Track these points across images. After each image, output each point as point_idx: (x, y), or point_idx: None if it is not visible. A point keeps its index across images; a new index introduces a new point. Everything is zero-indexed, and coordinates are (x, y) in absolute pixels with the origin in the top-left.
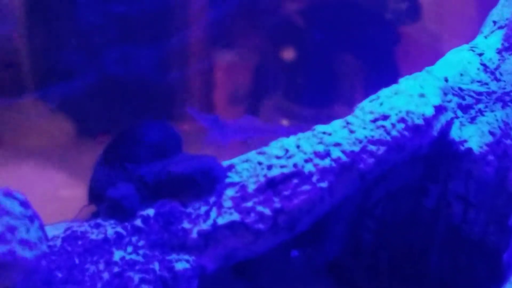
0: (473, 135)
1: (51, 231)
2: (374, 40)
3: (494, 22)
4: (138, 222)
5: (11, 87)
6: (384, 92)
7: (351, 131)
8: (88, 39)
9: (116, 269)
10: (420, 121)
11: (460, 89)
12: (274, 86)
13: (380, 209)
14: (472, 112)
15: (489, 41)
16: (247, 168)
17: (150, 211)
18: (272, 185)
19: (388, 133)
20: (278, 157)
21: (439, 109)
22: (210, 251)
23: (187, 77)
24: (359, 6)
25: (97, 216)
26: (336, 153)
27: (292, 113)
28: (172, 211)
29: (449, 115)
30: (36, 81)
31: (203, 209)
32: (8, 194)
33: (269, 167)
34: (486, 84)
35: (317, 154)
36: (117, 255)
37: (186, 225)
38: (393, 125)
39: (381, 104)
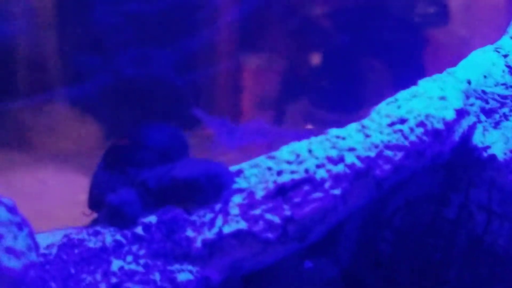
0: (497, 141)
1: (48, 238)
2: (401, 44)
3: None
4: (139, 230)
5: (26, 88)
6: (402, 95)
7: (367, 136)
8: (104, 39)
9: (114, 280)
10: (440, 126)
11: (484, 92)
12: (299, 90)
13: (398, 219)
14: (496, 116)
15: None
16: (255, 173)
17: (152, 219)
18: (282, 192)
19: (406, 138)
20: (288, 162)
21: (461, 113)
22: (215, 262)
23: (206, 80)
24: (386, 10)
25: (97, 223)
26: (350, 158)
27: (318, 119)
28: (175, 218)
29: (472, 119)
30: (51, 82)
31: (208, 216)
32: None
33: (279, 173)
34: None
35: (330, 159)
36: (116, 264)
37: (190, 233)
38: (412, 130)
39: (398, 107)
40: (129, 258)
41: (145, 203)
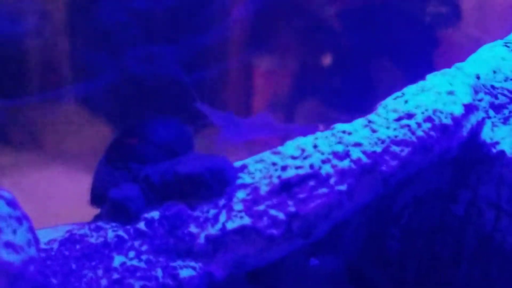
0: (506, 137)
1: (51, 234)
2: (412, 44)
3: None
4: (141, 226)
5: (34, 86)
6: (410, 89)
7: (373, 131)
8: (111, 37)
9: (115, 276)
10: (448, 121)
11: (493, 87)
12: (310, 90)
13: (406, 216)
14: (506, 112)
15: None
16: (260, 168)
17: (155, 214)
18: (286, 188)
19: (413, 133)
20: (293, 158)
21: (469, 108)
22: (219, 258)
23: (213, 78)
24: (398, 10)
25: (100, 218)
26: (356, 153)
27: (329, 118)
28: (178, 214)
29: (480, 114)
30: (59, 80)
31: (212, 212)
32: None
33: (284, 168)
34: None
35: (335, 154)
36: (117, 260)
37: (193, 229)
38: (419, 125)
39: (406, 101)
40: (131, 254)
41: (148, 198)
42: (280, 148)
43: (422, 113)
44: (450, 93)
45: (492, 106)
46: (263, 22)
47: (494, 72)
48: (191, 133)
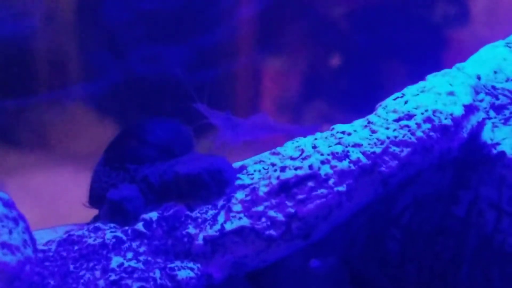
0: (506, 138)
1: (50, 235)
2: (421, 45)
3: None
4: (139, 227)
5: (34, 85)
6: (410, 90)
7: (373, 131)
8: (117, 37)
9: (113, 277)
10: (448, 122)
11: (494, 87)
12: (317, 91)
13: (407, 217)
14: (506, 112)
15: None
16: (259, 169)
17: (153, 215)
18: (285, 189)
19: (413, 133)
20: (292, 158)
21: (470, 109)
22: (217, 259)
23: (218, 79)
24: (406, 10)
25: (98, 219)
26: (355, 154)
27: (335, 120)
28: (176, 215)
29: (481, 115)
30: (65, 80)
31: (210, 213)
32: None
33: (283, 169)
34: None
35: (335, 155)
36: (115, 261)
37: (191, 230)
38: (419, 125)
39: (405, 102)
40: (129, 255)
41: (147, 199)
42: (279, 149)
43: (422, 113)
44: (450, 93)
45: (493, 106)
46: (270, 22)
47: (495, 72)
48: (190, 134)
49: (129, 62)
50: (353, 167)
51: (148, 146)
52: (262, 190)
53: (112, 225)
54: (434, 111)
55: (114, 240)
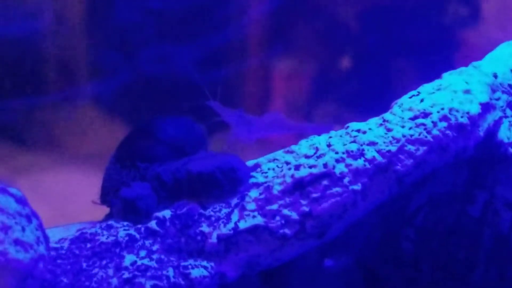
0: None
1: (62, 233)
2: (431, 45)
3: None
4: (152, 225)
5: (44, 85)
6: (425, 88)
7: (388, 130)
8: (127, 36)
9: (126, 275)
10: (464, 120)
11: (510, 86)
12: (327, 92)
13: (421, 217)
14: None
15: None
16: (273, 167)
17: (166, 213)
18: (299, 187)
19: (429, 132)
20: (307, 157)
21: (486, 107)
22: (231, 258)
23: (228, 78)
24: (416, 10)
25: (110, 217)
26: (370, 153)
27: (346, 120)
28: (190, 213)
29: (497, 114)
30: (73, 80)
31: (224, 211)
32: (3, 190)
33: (297, 167)
34: None
35: (349, 153)
36: (128, 259)
37: (205, 228)
38: (435, 124)
39: (421, 100)
40: (142, 253)
41: (160, 197)
42: (293, 147)
43: (438, 112)
44: (467, 91)
45: (510, 105)
46: (280, 23)
47: None
48: (203, 132)
49: (139, 61)
50: (368, 166)
51: (160, 144)
52: (276, 188)
53: (125, 223)
54: (450, 110)
55: (127, 238)
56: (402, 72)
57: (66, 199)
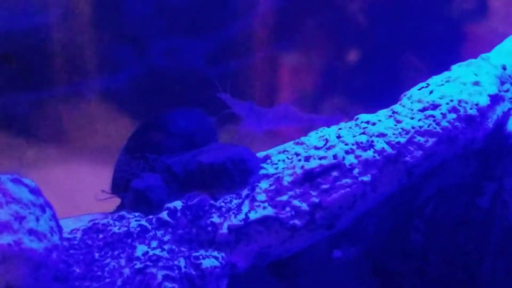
0: None
1: (74, 224)
2: (439, 39)
3: None
4: (164, 215)
5: (55, 79)
6: (435, 80)
7: (397, 121)
8: (136, 30)
9: (138, 265)
10: (473, 112)
11: None
12: (335, 85)
13: (430, 208)
14: None
15: None
16: (283, 159)
17: (178, 204)
18: (309, 178)
19: (438, 123)
20: (317, 148)
21: (495, 99)
22: (241, 248)
23: (236, 72)
24: (423, 4)
25: (122, 208)
26: (380, 144)
27: (353, 113)
28: (201, 204)
29: (506, 105)
30: (82, 73)
31: (235, 202)
32: (17, 181)
33: (307, 159)
34: None
35: (359, 145)
36: (140, 250)
37: (215, 219)
38: (444, 115)
39: (430, 92)
40: (154, 243)
41: (171, 188)
42: (303, 139)
43: (447, 103)
44: (476, 83)
45: None
46: (289, 16)
47: None
48: (214, 124)
49: (149, 55)
50: (377, 157)
51: (170, 136)
52: (286, 179)
53: (136, 214)
54: (459, 101)
55: (138, 228)
56: (409, 66)
57: (75, 191)
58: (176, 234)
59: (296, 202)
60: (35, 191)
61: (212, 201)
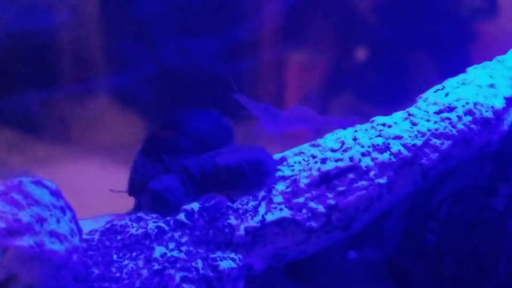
0: None
1: (91, 225)
2: (447, 37)
3: None
4: (181, 217)
5: (64, 77)
6: (450, 82)
7: (413, 124)
8: (147, 29)
9: (156, 266)
10: (489, 114)
11: None
12: (345, 84)
13: (445, 209)
14: None
15: None
16: (299, 161)
17: (195, 206)
18: (326, 180)
19: (454, 126)
20: (333, 150)
21: (511, 101)
22: (258, 250)
23: (247, 71)
24: (432, 2)
25: (139, 209)
26: (396, 146)
27: (364, 113)
28: (218, 205)
29: None
30: (92, 72)
31: (251, 204)
32: (38, 183)
33: (323, 161)
34: None
35: (375, 147)
36: (158, 251)
37: (232, 221)
38: (459, 118)
39: (446, 94)
40: (172, 245)
41: (188, 190)
42: (319, 141)
43: (463, 106)
44: (491, 86)
45: None
46: (299, 15)
47: None
48: (230, 125)
49: (159, 54)
50: (393, 159)
51: (186, 138)
52: (303, 181)
53: (154, 215)
54: (475, 104)
55: (156, 230)
56: (419, 65)
57: (83, 190)
58: (194, 235)
59: (312, 204)
60: (55, 193)
61: (229, 203)
